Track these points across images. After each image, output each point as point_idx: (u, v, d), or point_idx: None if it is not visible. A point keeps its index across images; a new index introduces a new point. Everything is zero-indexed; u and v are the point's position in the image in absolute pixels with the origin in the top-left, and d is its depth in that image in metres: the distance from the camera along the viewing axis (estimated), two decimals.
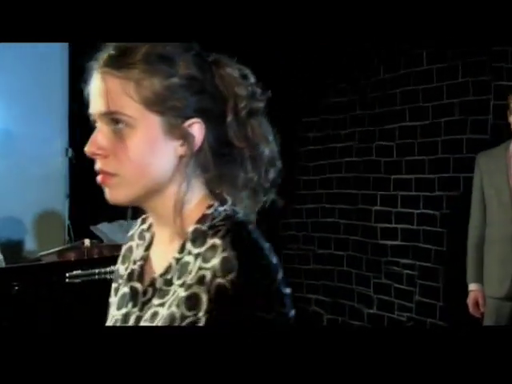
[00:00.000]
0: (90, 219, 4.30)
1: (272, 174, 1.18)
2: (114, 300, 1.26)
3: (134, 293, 1.18)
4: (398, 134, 4.70)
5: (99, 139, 1.10)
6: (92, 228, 4.22)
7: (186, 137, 1.11)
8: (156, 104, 1.08)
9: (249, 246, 1.05)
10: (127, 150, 1.08)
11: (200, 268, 1.06)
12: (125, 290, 1.22)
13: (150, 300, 1.15)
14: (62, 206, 4.64)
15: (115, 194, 1.12)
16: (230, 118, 1.14)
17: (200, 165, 1.14)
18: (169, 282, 1.12)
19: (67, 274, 3.20)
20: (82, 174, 4.69)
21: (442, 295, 4.38)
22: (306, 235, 5.32)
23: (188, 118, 1.11)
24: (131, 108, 1.07)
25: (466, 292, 3.74)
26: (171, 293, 1.11)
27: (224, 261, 1.03)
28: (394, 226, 4.72)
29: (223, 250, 1.04)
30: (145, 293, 1.16)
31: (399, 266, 4.67)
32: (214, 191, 1.17)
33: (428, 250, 4.48)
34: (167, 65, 1.09)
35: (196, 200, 1.15)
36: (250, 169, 1.16)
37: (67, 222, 4.58)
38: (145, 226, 1.28)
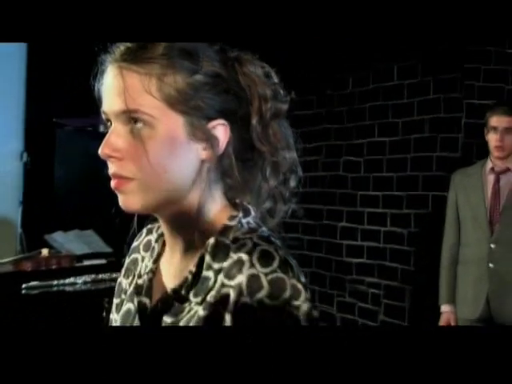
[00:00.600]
0: (43, 228, 4.15)
1: (293, 182, 1.12)
2: (115, 317, 1.16)
3: (141, 309, 1.09)
4: (366, 150, 4.61)
5: (114, 140, 1.00)
6: (46, 237, 4.08)
7: (209, 139, 1.02)
8: (179, 102, 0.99)
9: (278, 262, 0.96)
10: (146, 152, 0.98)
11: (223, 285, 0.98)
12: (129, 305, 1.13)
13: (159, 317, 1.04)
14: (14, 213, 4.43)
15: (131, 201, 1.02)
16: (254, 120, 1.06)
17: (222, 171, 1.06)
18: (183, 299, 1.03)
19: (23, 285, 3.09)
20: (36, 180, 4.60)
21: (408, 316, 4.29)
22: None
23: (212, 119, 1.02)
24: (152, 106, 0.98)
25: (432, 313, 3.66)
26: (186, 310, 1.02)
27: (251, 278, 0.95)
28: (359, 243, 4.62)
29: (250, 267, 0.96)
30: (154, 309, 1.07)
31: (364, 285, 4.57)
32: (233, 200, 1.08)
33: (394, 268, 4.39)
34: (190, 60, 1.00)
35: (216, 210, 1.06)
36: (270, 175, 1.09)
37: (19, 230, 4.38)
38: (152, 237, 1.18)
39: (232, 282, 0.96)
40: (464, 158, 4.05)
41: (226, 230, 1.04)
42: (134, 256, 1.20)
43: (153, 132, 0.98)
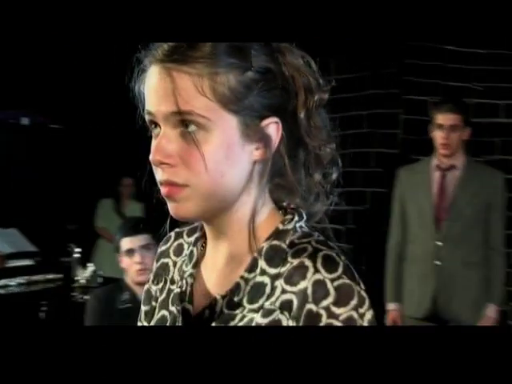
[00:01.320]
0: None
1: (334, 174, 1.08)
2: (145, 325, 1.13)
3: (184, 315, 1.03)
4: None
5: (166, 145, 0.94)
6: None
7: (263, 139, 0.97)
8: (232, 102, 0.93)
9: (343, 268, 0.92)
10: (201, 157, 0.92)
11: (283, 291, 0.93)
12: (163, 312, 1.08)
13: (206, 324, 0.98)
14: None
15: (184, 209, 0.95)
16: (302, 114, 1.00)
17: (273, 171, 1.00)
18: (236, 305, 0.97)
19: None
20: None
21: None
22: None
23: (265, 117, 0.97)
24: (206, 108, 0.92)
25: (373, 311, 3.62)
26: (238, 317, 0.96)
27: (317, 284, 0.90)
28: None
29: (315, 272, 0.91)
30: (199, 316, 1.00)
31: None
32: (281, 202, 1.03)
33: None
34: (239, 57, 0.94)
35: (267, 212, 1.01)
36: (314, 170, 1.04)
37: None
38: (183, 241, 1.13)
39: (295, 288, 0.92)
40: (402, 155, 4.05)
41: (280, 233, 0.98)
42: (163, 261, 1.15)
43: (208, 135, 0.92)
